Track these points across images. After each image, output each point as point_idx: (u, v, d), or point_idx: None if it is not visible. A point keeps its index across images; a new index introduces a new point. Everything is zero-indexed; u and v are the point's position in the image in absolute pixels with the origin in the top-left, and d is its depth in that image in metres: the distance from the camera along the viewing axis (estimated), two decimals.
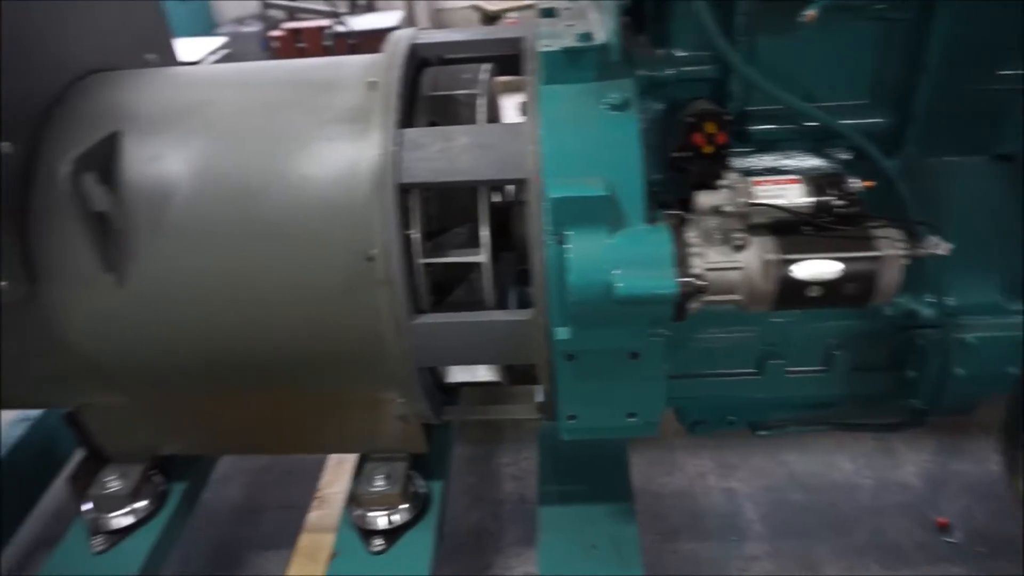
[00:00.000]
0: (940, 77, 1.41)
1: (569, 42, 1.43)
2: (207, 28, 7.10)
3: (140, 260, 1.51)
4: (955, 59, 1.40)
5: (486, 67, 1.72)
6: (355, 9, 6.36)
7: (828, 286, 1.34)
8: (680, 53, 1.51)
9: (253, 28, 7.03)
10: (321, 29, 6.42)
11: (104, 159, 1.50)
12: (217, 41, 6.23)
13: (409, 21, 6.95)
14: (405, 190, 1.44)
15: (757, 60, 1.47)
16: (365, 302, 1.49)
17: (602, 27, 1.46)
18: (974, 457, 2.44)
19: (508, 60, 1.73)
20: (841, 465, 2.46)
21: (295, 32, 6.57)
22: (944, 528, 2.21)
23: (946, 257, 1.42)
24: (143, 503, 1.85)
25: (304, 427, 1.82)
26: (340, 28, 5.81)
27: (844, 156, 1.57)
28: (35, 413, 2.24)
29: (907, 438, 2.50)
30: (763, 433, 1.89)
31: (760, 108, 1.52)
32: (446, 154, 1.44)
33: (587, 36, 1.42)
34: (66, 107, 1.64)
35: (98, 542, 1.80)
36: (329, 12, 5.74)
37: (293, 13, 7.09)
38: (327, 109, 1.58)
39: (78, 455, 1.95)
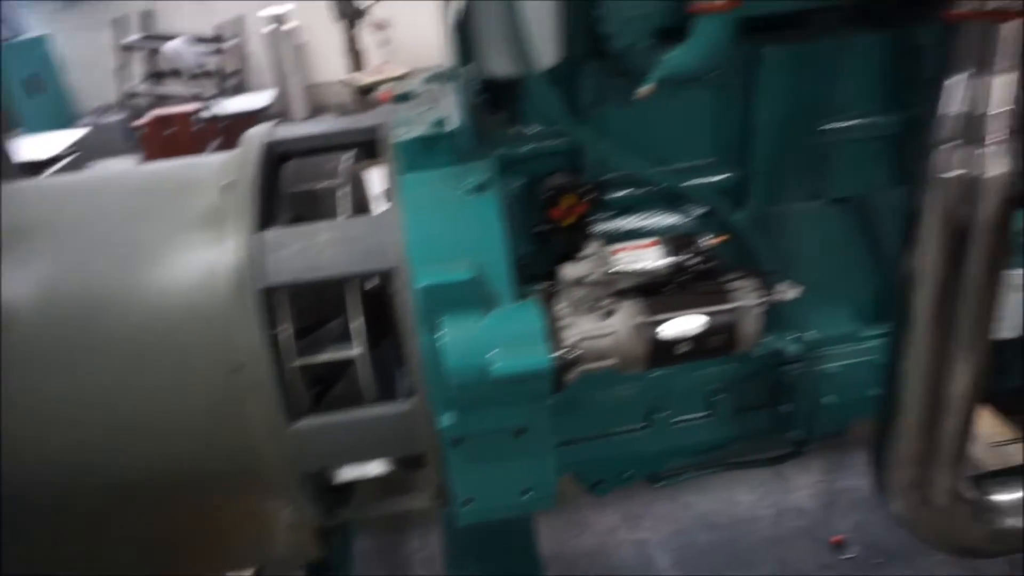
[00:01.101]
0: (771, 135, 1.52)
1: (424, 130, 1.45)
2: (67, 121, 6.80)
3: None
4: (781, 118, 1.51)
5: (348, 156, 1.72)
6: (223, 92, 6.25)
7: (695, 341, 1.40)
8: (534, 129, 1.56)
9: (116, 118, 6.79)
10: (189, 114, 6.28)
11: None
12: (76, 134, 5.97)
13: (282, 100, 6.92)
14: (268, 293, 1.40)
15: (608, 130, 1.54)
16: (237, 414, 1.42)
17: (456, 110, 1.49)
18: (858, 471, 2.57)
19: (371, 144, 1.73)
20: (740, 498, 2.53)
21: (162, 119, 6.40)
22: (841, 545, 2.31)
23: (802, 295, 1.52)
24: None
25: (187, 548, 1.69)
26: (208, 113, 5.68)
27: (700, 211, 1.67)
28: None
29: (797, 462, 2.60)
30: (662, 484, 1.92)
31: (616, 175, 1.59)
32: (308, 252, 1.41)
33: (440, 123, 1.45)
34: None
35: None
36: (196, 96, 5.61)
37: (158, 100, 6.91)
38: (181, 215, 1.52)
39: None
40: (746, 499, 2.49)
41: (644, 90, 1.32)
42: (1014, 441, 2.36)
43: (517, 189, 1.61)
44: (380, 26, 6.41)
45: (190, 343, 1.42)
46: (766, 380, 1.81)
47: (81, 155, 6.41)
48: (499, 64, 1.31)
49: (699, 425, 1.82)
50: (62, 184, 1.95)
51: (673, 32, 1.34)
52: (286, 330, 1.42)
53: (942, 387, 1.40)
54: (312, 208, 1.67)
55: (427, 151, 1.45)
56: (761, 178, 1.57)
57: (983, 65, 1.11)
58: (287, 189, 1.67)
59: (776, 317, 1.60)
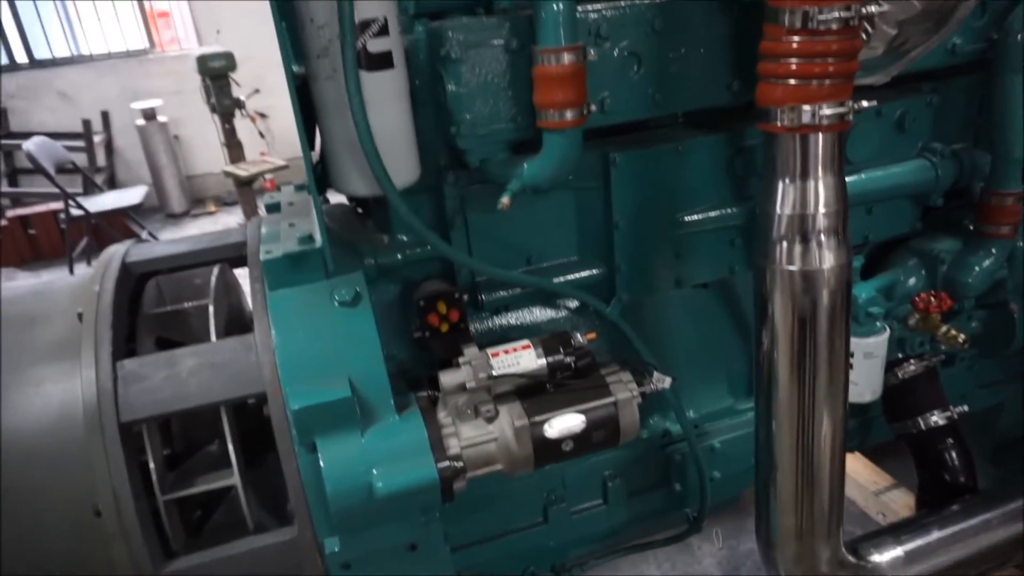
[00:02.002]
0: (630, 230, 1.60)
1: (291, 246, 1.43)
2: None
3: None
4: (637, 214, 1.60)
5: (216, 270, 1.67)
6: (91, 188, 5.96)
7: (578, 438, 1.42)
8: (403, 237, 1.57)
9: None
10: (55, 213, 5.93)
11: None
12: None
13: (158, 195, 6.68)
14: (128, 428, 1.31)
15: (476, 232, 1.58)
16: (101, 560, 1.30)
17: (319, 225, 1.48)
18: None
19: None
20: (651, 573, 2.54)
21: (23, 220, 6.01)
22: None
23: (678, 379, 1.58)
24: None
25: None
26: (76, 211, 5.38)
27: (573, 304, 1.72)
28: None
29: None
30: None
31: (488, 278, 1.61)
32: (173, 381, 1.35)
33: (308, 239, 1.43)
34: None
35: None
36: (61, 194, 5.31)
37: (18, 199, 6.50)
38: (31, 348, 1.42)
39: None
40: (656, 573, 2.50)
41: (504, 201, 1.36)
42: (892, 487, 2.51)
43: (392, 295, 1.61)
44: (259, 116, 6.36)
45: (48, 486, 1.31)
46: (656, 461, 1.85)
47: None
48: (357, 186, 1.33)
49: (596, 513, 1.83)
50: None
51: (527, 143, 1.41)
52: (155, 461, 1.34)
53: (809, 453, 1.47)
54: (178, 328, 1.60)
55: (295, 267, 1.42)
56: (626, 272, 1.64)
57: (804, 172, 1.23)
58: (149, 310, 1.60)
59: (658, 399, 1.65)
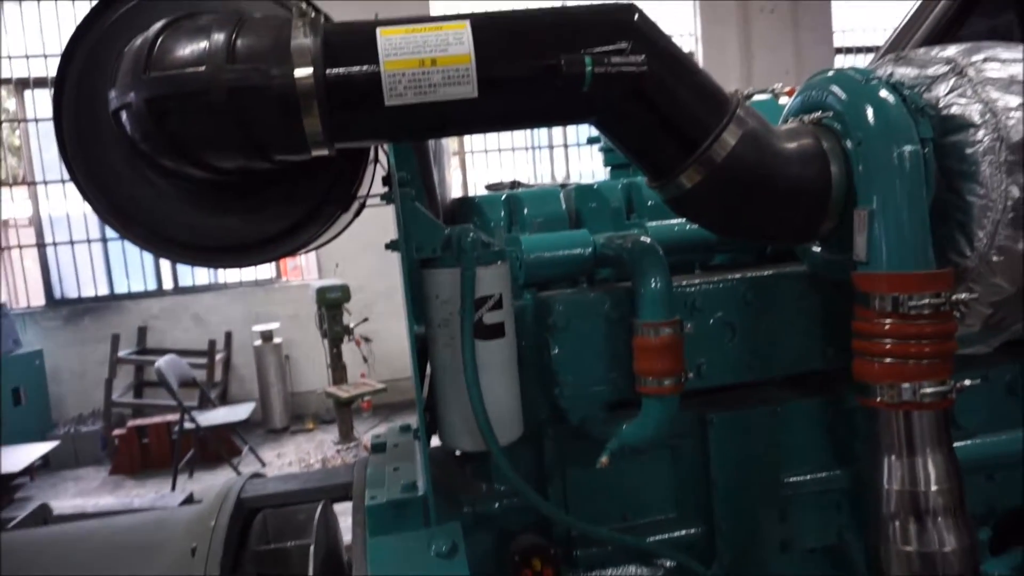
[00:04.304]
0: (729, 491, 1.57)
1: (395, 493, 1.48)
2: (45, 429, 6.79)
3: None
4: (736, 475, 1.58)
5: (319, 509, 1.73)
6: (205, 403, 6.38)
7: None
8: (501, 487, 1.60)
9: (93, 427, 6.80)
10: (169, 425, 6.32)
11: None
12: (45, 447, 5.94)
13: (263, 410, 7.04)
14: None
15: (573, 487, 1.59)
16: None
17: (423, 471, 1.54)
18: None
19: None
20: None
21: (138, 429, 6.42)
22: None
23: None
24: None
25: None
26: (189, 424, 5.73)
27: (670, 564, 1.65)
28: None
29: None
30: None
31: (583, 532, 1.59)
32: None
33: (412, 486, 1.49)
34: None
35: None
36: (178, 407, 5.71)
37: (140, 409, 7.00)
38: None
39: None
40: None
41: (603, 460, 1.40)
42: None
43: (488, 545, 1.60)
44: (364, 340, 6.81)
45: None
46: None
47: (50, 465, 6.36)
48: (464, 442, 1.40)
49: None
50: (40, 538, 1.90)
51: (626, 402, 1.46)
52: None
53: None
54: (280, 565, 1.63)
55: (396, 515, 1.46)
56: (727, 532, 1.59)
57: (911, 448, 1.21)
58: (255, 546, 1.65)
59: None
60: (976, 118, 1.26)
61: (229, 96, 1.08)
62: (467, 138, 8.03)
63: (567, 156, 8.48)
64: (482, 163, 8.15)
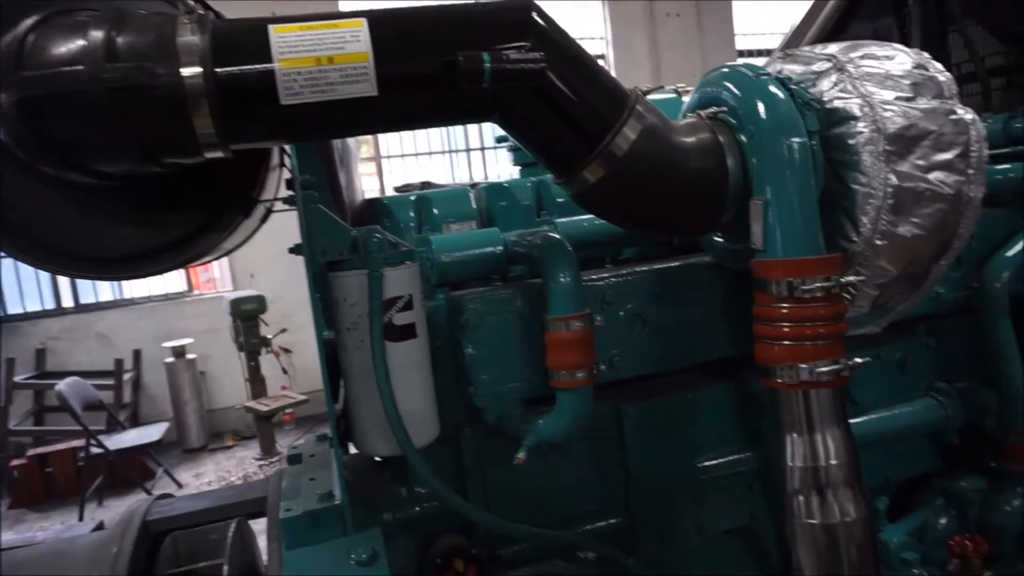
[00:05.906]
0: (647, 479, 1.61)
1: (311, 503, 1.44)
2: None
3: None
4: (653, 463, 1.61)
5: (233, 526, 1.66)
6: (114, 426, 6.05)
7: None
8: (421, 490, 1.58)
9: None
10: (74, 451, 5.95)
11: None
12: None
13: (178, 429, 6.74)
14: None
15: (493, 485, 1.58)
16: None
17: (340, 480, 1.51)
18: None
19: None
20: None
21: (41, 458, 6.03)
22: None
23: None
24: None
25: None
26: (96, 449, 5.41)
27: (592, 556, 1.67)
28: None
29: None
30: None
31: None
32: None
33: (328, 495, 1.45)
34: None
35: None
36: (83, 431, 5.38)
37: (41, 437, 6.57)
38: None
39: None
40: None
41: (520, 457, 1.40)
42: None
43: (410, 550, 1.58)
44: (284, 351, 6.61)
45: None
46: None
47: None
48: (380, 447, 1.38)
49: None
50: None
51: (541, 398, 1.47)
52: None
53: None
54: None
55: (315, 525, 1.42)
56: (645, 521, 1.62)
57: (811, 425, 1.27)
58: (163, 571, 1.57)
59: None
60: (856, 111, 1.33)
61: (110, 96, 1.02)
62: (382, 143, 7.93)
63: (484, 159, 8.50)
64: (399, 168, 8.06)
